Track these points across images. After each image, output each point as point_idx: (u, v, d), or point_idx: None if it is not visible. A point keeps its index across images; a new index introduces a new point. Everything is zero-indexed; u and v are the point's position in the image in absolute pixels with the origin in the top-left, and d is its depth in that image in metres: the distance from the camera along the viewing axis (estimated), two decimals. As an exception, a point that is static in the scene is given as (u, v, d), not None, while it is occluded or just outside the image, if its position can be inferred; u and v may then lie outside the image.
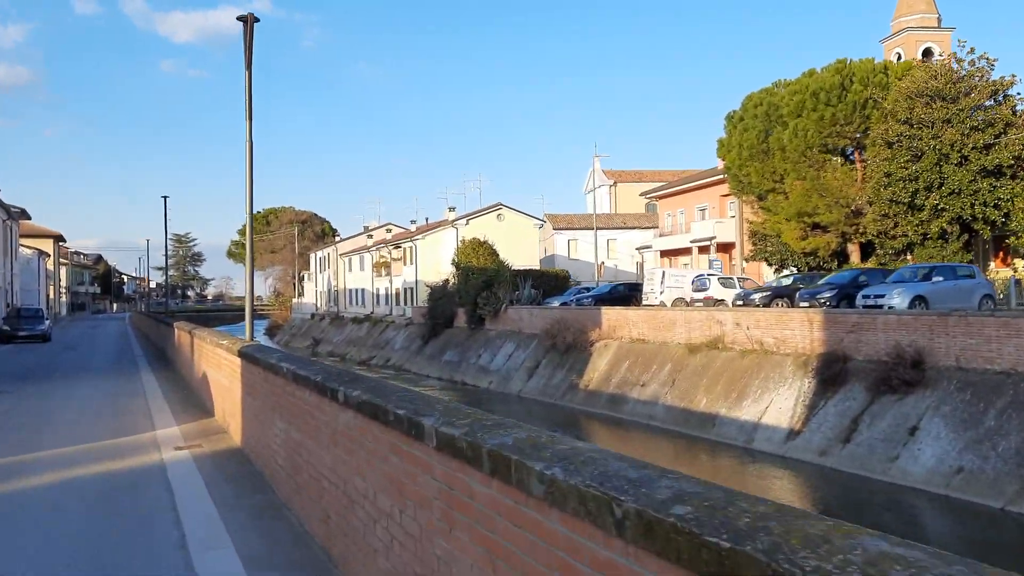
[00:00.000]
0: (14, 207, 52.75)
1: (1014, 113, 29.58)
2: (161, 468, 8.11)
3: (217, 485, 7.19)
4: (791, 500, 17.58)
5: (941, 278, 22.14)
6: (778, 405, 21.64)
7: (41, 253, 67.11)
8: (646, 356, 28.56)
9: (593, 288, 43.25)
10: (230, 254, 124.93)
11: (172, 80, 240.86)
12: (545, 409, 30.59)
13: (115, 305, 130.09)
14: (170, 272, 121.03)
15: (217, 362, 11.15)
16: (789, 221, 35.85)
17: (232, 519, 6.06)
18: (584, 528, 2.11)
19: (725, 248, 46.17)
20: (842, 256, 35.75)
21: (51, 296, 74.49)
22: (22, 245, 60.64)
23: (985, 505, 15.20)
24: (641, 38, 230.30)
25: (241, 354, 8.59)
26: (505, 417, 3.15)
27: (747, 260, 43.17)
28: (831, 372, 20.45)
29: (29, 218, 60.13)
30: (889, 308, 20.96)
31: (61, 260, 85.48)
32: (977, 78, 30.25)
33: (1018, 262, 30.90)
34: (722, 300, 30.73)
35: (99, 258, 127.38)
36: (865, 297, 22.24)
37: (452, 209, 64.21)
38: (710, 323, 26.26)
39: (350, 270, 76.47)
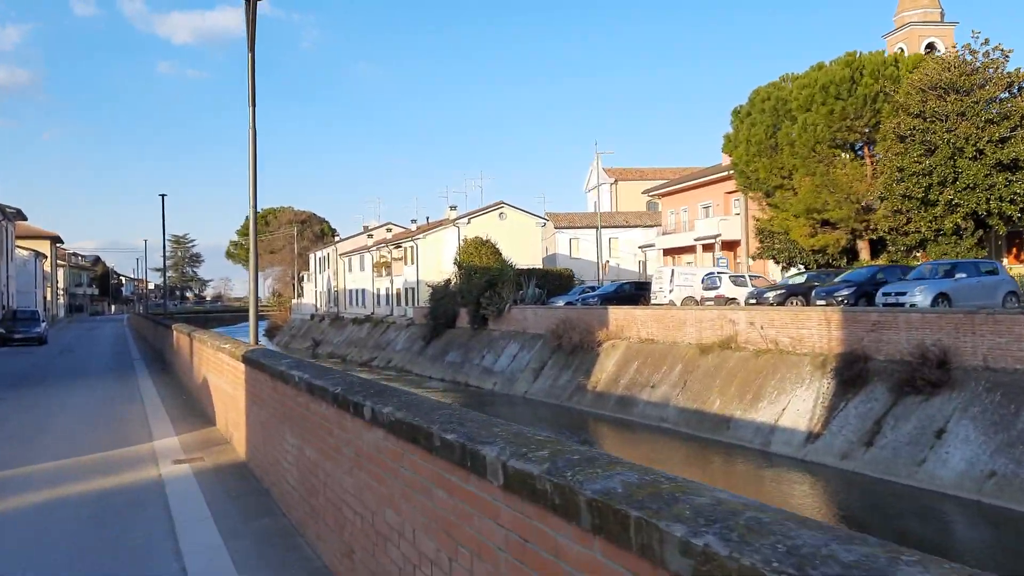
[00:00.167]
0: (9, 207, 52.04)
1: (1031, 105, 28.92)
2: (159, 485, 7.44)
3: (221, 506, 6.50)
4: (814, 505, 16.95)
5: (964, 275, 21.45)
6: (796, 407, 20.99)
7: (38, 254, 66.41)
8: (656, 356, 27.90)
9: (598, 287, 42.59)
10: (228, 255, 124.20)
11: (170, 81, 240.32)
12: (552, 411, 29.95)
13: (113, 307, 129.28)
14: (169, 273, 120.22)
15: (219, 367, 10.48)
16: (798, 218, 35.18)
17: (239, 548, 5.39)
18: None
19: (730, 246, 45.52)
20: (851, 253, 35.08)
21: (48, 298, 73.79)
22: (18, 246, 59.93)
23: (1022, 511, 14.55)
24: (640, 38, 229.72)
25: (246, 360, 7.93)
26: (595, 450, 2.49)
27: (753, 258, 42.50)
28: (851, 372, 19.79)
29: (25, 219, 59.41)
30: (911, 306, 20.30)
31: (59, 262, 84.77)
32: (992, 70, 29.58)
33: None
34: (733, 299, 30.06)
35: (97, 259, 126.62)
36: (886, 295, 21.54)
37: (453, 208, 63.49)
38: (722, 322, 25.61)
39: (350, 270, 75.73)
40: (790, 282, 28.81)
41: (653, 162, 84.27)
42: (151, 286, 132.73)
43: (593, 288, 42.82)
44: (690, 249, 48.22)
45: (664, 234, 52.99)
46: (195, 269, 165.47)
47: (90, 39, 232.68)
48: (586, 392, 29.77)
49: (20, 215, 56.42)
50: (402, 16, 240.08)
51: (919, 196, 29.37)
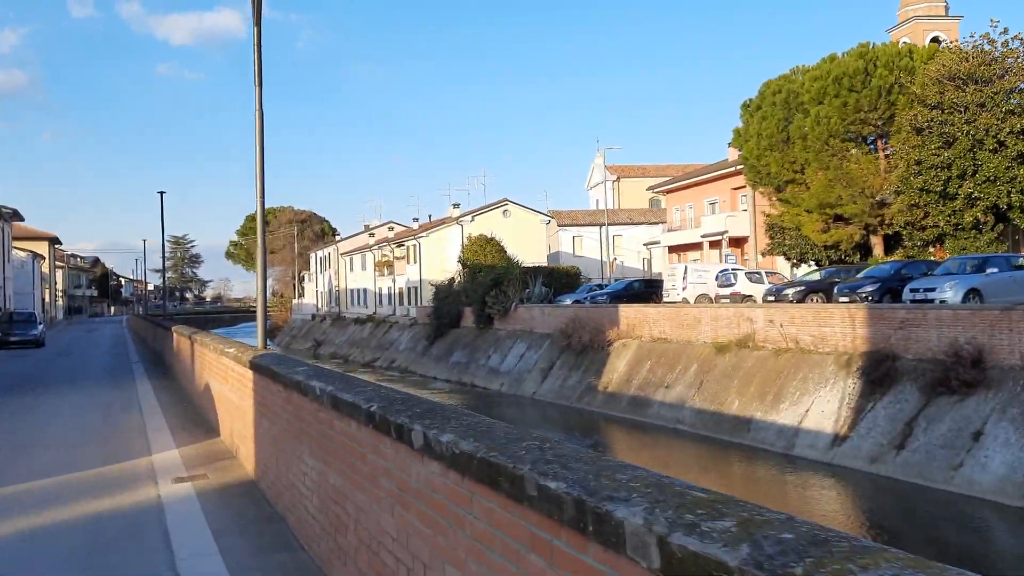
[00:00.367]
0: (6, 208, 51.22)
1: (1053, 96, 28.16)
2: (158, 509, 6.64)
3: (229, 536, 5.69)
4: (845, 512, 16.17)
5: (995, 269, 20.62)
6: (820, 408, 20.19)
7: (36, 256, 65.59)
8: (669, 356, 27.11)
9: (607, 285, 41.79)
10: (228, 255, 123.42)
11: (169, 83, 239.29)
12: (561, 412, 29.17)
13: (112, 308, 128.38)
14: (168, 274, 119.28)
15: (223, 373, 9.67)
16: (810, 213, 34.40)
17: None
18: None
19: (737, 243, 44.75)
20: (864, 249, 34.30)
21: (46, 299, 72.97)
22: (16, 248, 59.13)
23: (1072, 519, 13.79)
24: (641, 37, 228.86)
25: (254, 366, 7.13)
26: (812, 522, 1.69)
27: (763, 254, 41.72)
28: (879, 372, 18.99)
29: (22, 219, 58.58)
30: (941, 302, 19.50)
31: (57, 263, 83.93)
32: (1012, 60, 28.78)
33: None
34: (750, 296, 29.27)
35: (96, 260, 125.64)
36: (914, 291, 20.73)
37: (456, 206, 62.63)
38: (739, 320, 24.81)
39: (351, 270, 74.87)
40: (809, 278, 27.99)
41: (654, 160, 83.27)
42: (151, 287, 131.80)
43: (601, 286, 42.03)
44: (696, 246, 47.44)
45: (669, 231, 52.20)
46: (195, 270, 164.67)
47: (88, 41, 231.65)
48: (597, 393, 28.97)
49: (17, 215, 55.59)
50: (402, 16, 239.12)
51: (937, 189, 28.60)
